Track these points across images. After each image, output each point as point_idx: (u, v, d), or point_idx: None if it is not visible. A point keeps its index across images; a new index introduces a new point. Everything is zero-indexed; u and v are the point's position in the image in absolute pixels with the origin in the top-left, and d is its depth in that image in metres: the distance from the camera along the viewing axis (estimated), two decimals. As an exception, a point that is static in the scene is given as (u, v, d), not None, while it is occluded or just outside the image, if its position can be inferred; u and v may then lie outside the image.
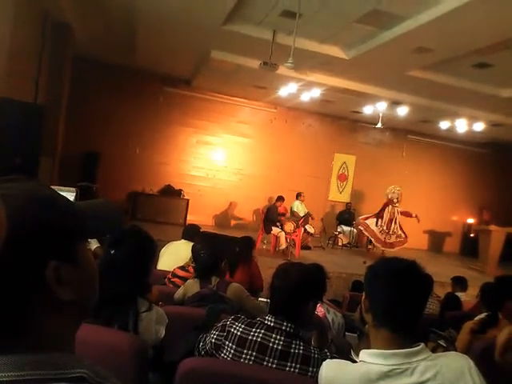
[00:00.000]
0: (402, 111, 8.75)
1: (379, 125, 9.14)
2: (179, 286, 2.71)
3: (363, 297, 1.25)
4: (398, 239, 8.84)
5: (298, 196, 9.05)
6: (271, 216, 7.97)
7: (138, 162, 9.44)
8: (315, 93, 8.16)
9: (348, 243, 9.82)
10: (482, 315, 3.19)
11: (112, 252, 1.59)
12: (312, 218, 8.88)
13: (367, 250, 9.28)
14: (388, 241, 8.76)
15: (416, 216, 8.94)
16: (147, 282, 1.75)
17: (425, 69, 6.74)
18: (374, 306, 1.21)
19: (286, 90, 8.07)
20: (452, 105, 8.33)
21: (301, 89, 8.07)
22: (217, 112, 10.08)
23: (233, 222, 10.26)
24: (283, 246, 7.64)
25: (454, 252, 11.75)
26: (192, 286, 2.46)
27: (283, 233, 7.68)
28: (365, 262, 8.28)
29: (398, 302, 1.17)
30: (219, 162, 10.32)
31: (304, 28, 5.65)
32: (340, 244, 9.58)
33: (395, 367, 1.13)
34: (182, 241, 3.90)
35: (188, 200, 9.52)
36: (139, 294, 1.61)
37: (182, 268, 3.06)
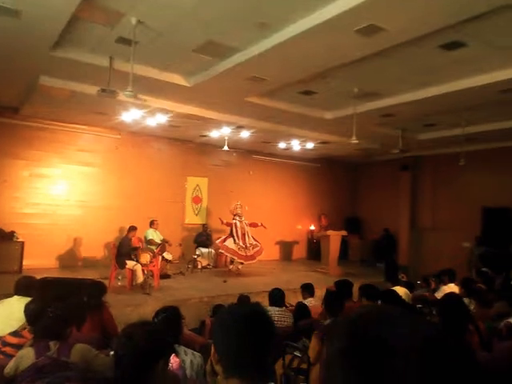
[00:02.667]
0: (245, 134, 9.33)
1: (225, 147, 9.54)
2: (13, 356, 2.29)
3: (212, 350, 1.23)
4: (256, 249, 9.34)
5: (152, 224, 8.76)
6: (124, 249, 7.49)
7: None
8: (161, 118, 8.10)
9: (208, 265, 9.90)
10: (328, 321, 3.55)
11: None
12: (169, 245, 8.69)
13: (229, 270, 9.43)
14: (249, 254, 9.17)
15: (261, 224, 9.60)
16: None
17: (261, 96, 7.32)
18: (224, 357, 1.19)
19: (130, 116, 7.80)
20: (286, 127, 9.23)
21: (145, 115, 7.90)
22: (52, 141, 9.12)
23: (81, 261, 9.32)
24: (140, 279, 7.22)
25: (302, 258, 12.94)
26: (26, 357, 2.10)
27: (139, 265, 7.29)
28: (225, 281, 8.46)
29: (246, 349, 1.17)
30: (59, 195, 9.30)
31: (143, 55, 5.58)
32: (200, 267, 9.58)
33: None
34: (15, 297, 3.34)
35: (23, 242, 8.29)
36: None
37: (15, 333, 2.59)
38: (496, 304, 4.41)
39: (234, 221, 9.36)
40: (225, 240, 9.17)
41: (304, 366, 3.22)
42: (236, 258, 9.13)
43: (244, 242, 9.18)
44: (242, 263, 9.26)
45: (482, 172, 10.64)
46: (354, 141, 7.34)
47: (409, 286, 6.49)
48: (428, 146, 10.80)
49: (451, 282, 6.11)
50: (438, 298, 4.93)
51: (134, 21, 4.65)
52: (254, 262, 9.31)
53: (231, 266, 9.45)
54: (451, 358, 0.48)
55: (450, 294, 3.94)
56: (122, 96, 5.62)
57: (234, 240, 9.13)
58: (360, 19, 4.19)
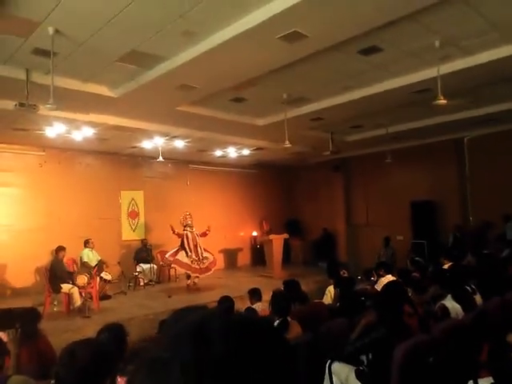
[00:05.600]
0: (179, 144, 9.19)
1: (160, 158, 9.32)
2: None
3: None
4: (210, 261, 8.93)
5: (86, 243, 8.31)
6: (57, 272, 7.02)
7: None
8: (88, 132, 7.74)
9: (150, 281, 9.56)
10: (276, 323, 3.57)
11: None
12: (106, 266, 8.26)
13: (187, 286, 8.94)
14: (203, 266, 8.74)
15: (208, 228, 9.16)
16: None
17: (192, 104, 7.25)
18: None
19: (54, 131, 7.36)
20: (221, 134, 9.22)
21: (71, 128, 7.50)
22: (-35, 162, 8.36)
23: (10, 290, 8.56)
24: (78, 302, 6.80)
25: (247, 264, 12.97)
26: None
27: (76, 288, 6.87)
28: (170, 296, 8.23)
29: None
30: (-21, 221, 8.53)
31: (63, 67, 5.30)
32: (142, 284, 9.23)
33: None
34: None
35: None
36: None
37: None
38: (430, 289, 4.73)
39: (185, 231, 8.94)
40: (176, 253, 8.69)
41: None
42: (191, 272, 8.68)
43: (197, 254, 8.75)
44: (197, 277, 8.85)
45: (406, 168, 11.40)
46: (288, 145, 7.52)
47: (350, 280, 6.72)
48: (357, 147, 11.36)
49: (388, 274, 6.43)
50: (378, 289, 5.17)
51: (51, 31, 4.41)
52: (210, 273, 8.90)
53: (188, 282, 8.99)
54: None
55: (390, 282, 4.17)
56: (44, 110, 5.30)
57: (187, 253, 8.66)
58: (283, 26, 4.31)
